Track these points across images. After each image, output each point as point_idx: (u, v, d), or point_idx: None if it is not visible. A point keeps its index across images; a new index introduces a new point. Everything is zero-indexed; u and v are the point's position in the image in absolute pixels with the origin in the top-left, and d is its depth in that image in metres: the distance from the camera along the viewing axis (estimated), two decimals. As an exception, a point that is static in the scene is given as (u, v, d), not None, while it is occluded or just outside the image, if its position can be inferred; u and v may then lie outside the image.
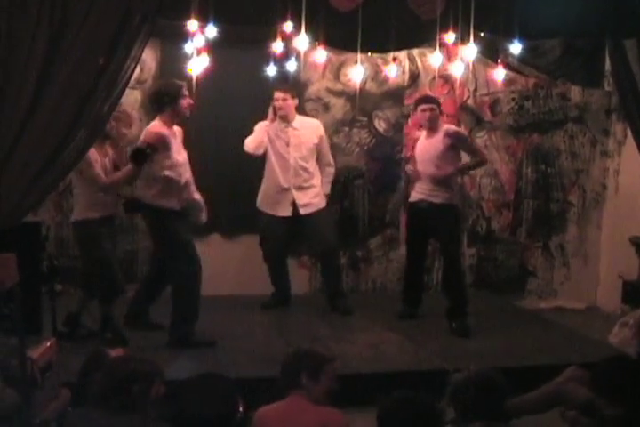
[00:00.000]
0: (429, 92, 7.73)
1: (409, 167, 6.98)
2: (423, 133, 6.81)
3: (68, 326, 6.04)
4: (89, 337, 6.07)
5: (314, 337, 6.32)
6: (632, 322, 5.70)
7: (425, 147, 6.72)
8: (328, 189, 7.23)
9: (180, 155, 6.03)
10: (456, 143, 6.62)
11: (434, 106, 6.62)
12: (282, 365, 3.98)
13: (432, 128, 6.65)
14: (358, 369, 5.61)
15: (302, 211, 7.00)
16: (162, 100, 5.92)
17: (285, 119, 6.97)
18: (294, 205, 7.01)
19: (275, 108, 6.94)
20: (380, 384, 5.33)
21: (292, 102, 6.96)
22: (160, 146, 5.82)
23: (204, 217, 6.25)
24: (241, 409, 3.43)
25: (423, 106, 6.66)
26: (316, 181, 7.10)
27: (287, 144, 6.98)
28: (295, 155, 6.98)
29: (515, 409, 4.23)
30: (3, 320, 4.29)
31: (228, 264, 7.64)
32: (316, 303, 7.34)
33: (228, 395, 3.43)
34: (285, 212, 7.03)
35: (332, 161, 7.27)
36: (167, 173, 5.91)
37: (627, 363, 4.19)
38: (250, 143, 6.97)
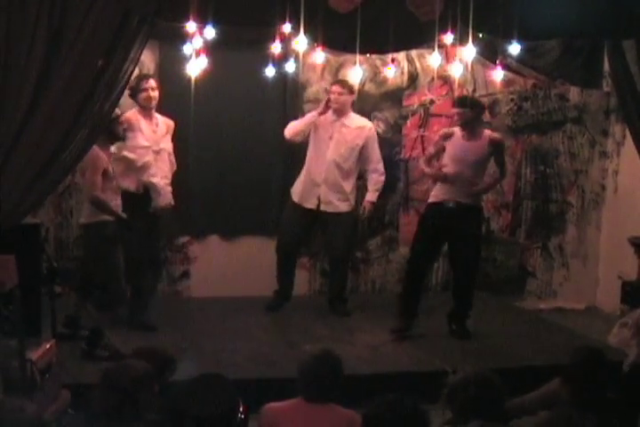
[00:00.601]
0: (428, 93, 7.79)
1: (428, 170, 6.75)
2: (458, 133, 6.53)
3: (68, 327, 6.04)
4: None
5: (313, 338, 6.32)
6: (631, 322, 5.67)
7: (465, 149, 6.48)
8: (374, 197, 7.16)
9: (153, 142, 6.43)
10: (495, 152, 6.58)
11: (462, 110, 6.42)
12: (301, 366, 3.93)
13: (470, 131, 6.46)
14: (358, 370, 5.61)
15: (322, 207, 6.98)
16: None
17: (338, 113, 6.95)
18: (319, 199, 7.00)
19: (328, 101, 6.94)
20: (379, 385, 5.32)
21: (349, 97, 6.98)
22: (125, 126, 6.28)
23: (160, 201, 6.47)
24: (241, 410, 3.43)
25: (452, 110, 6.67)
26: (348, 184, 7.02)
27: (330, 138, 6.95)
28: (333, 150, 6.93)
29: (515, 409, 4.23)
30: (2, 322, 4.30)
31: (226, 266, 7.63)
32: (316, 304, 7.34)
33: (228, 396, 3.43)
34: (311, 204, 7.01)
35: (380, 168, 7.13)
36: (125, 153, 6.34)
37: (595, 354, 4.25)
38: (290, 128, 7.01)
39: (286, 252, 7.19)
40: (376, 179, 7.13)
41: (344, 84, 6.96)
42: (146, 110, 6.44)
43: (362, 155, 7.04)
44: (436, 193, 6.63)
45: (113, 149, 6.21)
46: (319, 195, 6.98)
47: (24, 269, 4.57)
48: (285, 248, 7.18)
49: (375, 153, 7.11)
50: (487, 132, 6.63)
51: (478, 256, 6.80)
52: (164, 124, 6.60)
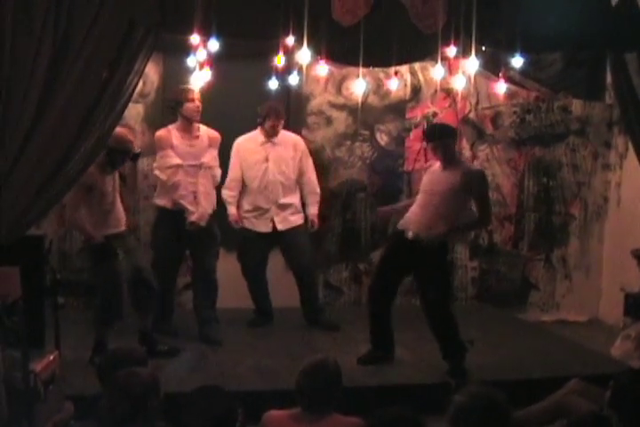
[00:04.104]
0: (431, 106, 7.83)
1: (387, 207, 6.68)
2: (437, 162, 6.09)
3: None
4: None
5: (316, 350, 6.31)
6: (634, 334, 5.69)
7: (436, 178, 5.99)
8: (316, 209, 7.10)
9: (190, 158, 6.42)
10: (471, 185, 5.92)
11: (434, 143, 5.98)
12: (298, 376, 3.91)
13: (447, 160, 5.96)
14: (359, 382, 5.60)
15: (279, 227, 6.95)
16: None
17: (268, 136, 6.94)
18: (273, 221, 6.96)
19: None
20: (383, 397, 5.33)
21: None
22: (157, 146, 6.49)
23: (191, 217, 6.40)
24: (241, 422, 3.43)
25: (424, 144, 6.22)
26: (295, 198, 7.02)
27: (266, 159, 6.89)
28: (273, 170, 6.89)
29: (518, 422, 4.23)
30: (6, 333, 4.30)
31: (229, 277, 7.62)
32: (318, 316, 7.33)
33: (228, 408, 3.43)
34: (265, 228, 6.98)
35: (314, 179, 7.11)
36: (156, 172, 6.53)
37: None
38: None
39: (253, 275, 7.16)
40: (313, 191, 7.09)
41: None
42: (188, 123, 6.43)
43: (298, 169, 7.01)
44: (402, 220, 6.15)
45: (141, 167, 6.21)
46: (272, 217, 6.94)
47: (28, 281, 4.57)
48: (251, 272, 7.16)
49: (309, 166, 7.08)
50: (466, 164, 6.34)
51: (441, 299, 5.98)
52: (206, 136, 6.53)
